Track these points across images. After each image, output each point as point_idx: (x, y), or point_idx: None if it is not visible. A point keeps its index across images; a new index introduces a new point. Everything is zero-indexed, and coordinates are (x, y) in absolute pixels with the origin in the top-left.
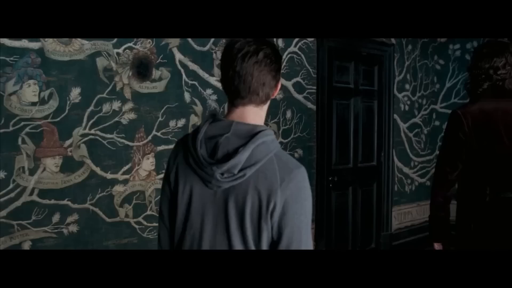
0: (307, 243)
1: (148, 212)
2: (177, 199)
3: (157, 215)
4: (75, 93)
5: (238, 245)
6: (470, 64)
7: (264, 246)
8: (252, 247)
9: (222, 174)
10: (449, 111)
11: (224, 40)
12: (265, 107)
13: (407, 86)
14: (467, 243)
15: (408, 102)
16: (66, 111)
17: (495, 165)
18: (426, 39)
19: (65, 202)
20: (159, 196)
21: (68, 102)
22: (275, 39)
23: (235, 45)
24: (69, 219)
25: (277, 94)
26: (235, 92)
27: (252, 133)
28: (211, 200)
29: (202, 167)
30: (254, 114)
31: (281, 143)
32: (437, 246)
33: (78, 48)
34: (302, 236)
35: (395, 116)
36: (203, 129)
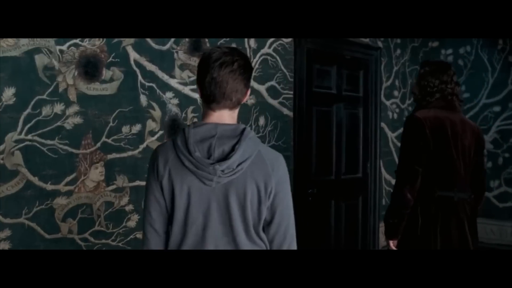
0: (293, 218)
1: (96, 228)
2: (174, 202)
3: (106, 230)
4: (8, 94)
5: (240, 233)
6: (420, 77)
7: (261, 228)
8: (252, 232)
9: (223, 170)
10: None
11: (187, 40)
12: (237, 111)
13: (395, 93)
14: (413, 237)
15: (397, 110)
16: None
17: (443, 167)
18: (416, 44)
19: None
20: (146, 207)
21: (0, 104)
22: (246, 40)
23: (212, 55)
24: (0, 235)
25: (248, 99)
26: (211, 96)
27: (238, 132)
28: (210, 196)
29: (202, 168)
30: (229, 117)
31: None
32: (393, 243)
33: (13, 43)
34: (290, 212)
35: (383, 124)
36: (190, 134)
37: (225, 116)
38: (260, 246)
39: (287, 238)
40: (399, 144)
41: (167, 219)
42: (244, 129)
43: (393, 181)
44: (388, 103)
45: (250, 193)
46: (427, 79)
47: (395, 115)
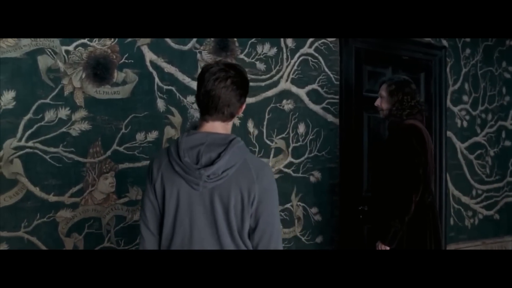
0: (278, 226)
1: (106, 244)
2: (164, 203)
3: (116, 247)
4: (7, 97)
5: (225, 236)
6: (390, 93)
7: (246, 234)
8: (237, 236)
9: (209, 176)
10: None
11: (212, 39)
12: (230, 123)
13: (465, 98)
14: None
15: (467, 117)
16: None
17: (428, 174)
18: (491, 42)
19: None
20: (142, 208)
21: None
22: (282, 39)
23: (210, 69)
24: None
25: (242, 111)
26: (204, 108)
27: (227, 141)
28: (197, 199)
29: (189, 172)
30: (222, 128)
31: (291, 163)
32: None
33: (13, 44)
34: (275, 220)
35: (450, 133)
36: (182, 141)
37: (218, 127)
38: None
39: (271, 245)
40: (470, 156)
41: (160, 220)
42: (233, 139)
43: (463, 198)
44: (456, 109)
45: (234, 199)
46: (398, 96)
47: (465, 123)
